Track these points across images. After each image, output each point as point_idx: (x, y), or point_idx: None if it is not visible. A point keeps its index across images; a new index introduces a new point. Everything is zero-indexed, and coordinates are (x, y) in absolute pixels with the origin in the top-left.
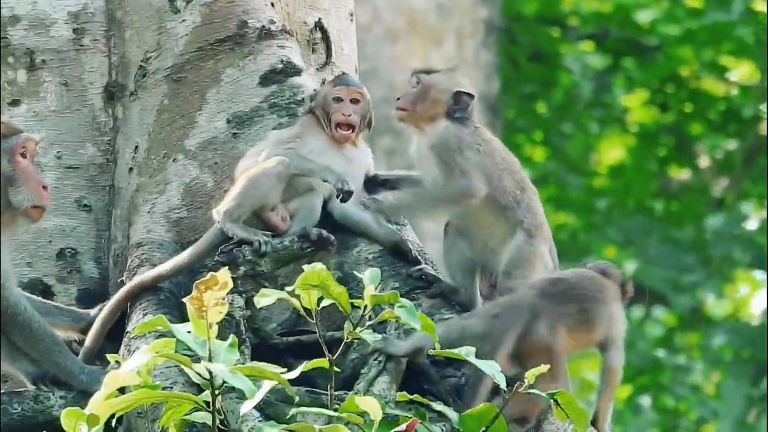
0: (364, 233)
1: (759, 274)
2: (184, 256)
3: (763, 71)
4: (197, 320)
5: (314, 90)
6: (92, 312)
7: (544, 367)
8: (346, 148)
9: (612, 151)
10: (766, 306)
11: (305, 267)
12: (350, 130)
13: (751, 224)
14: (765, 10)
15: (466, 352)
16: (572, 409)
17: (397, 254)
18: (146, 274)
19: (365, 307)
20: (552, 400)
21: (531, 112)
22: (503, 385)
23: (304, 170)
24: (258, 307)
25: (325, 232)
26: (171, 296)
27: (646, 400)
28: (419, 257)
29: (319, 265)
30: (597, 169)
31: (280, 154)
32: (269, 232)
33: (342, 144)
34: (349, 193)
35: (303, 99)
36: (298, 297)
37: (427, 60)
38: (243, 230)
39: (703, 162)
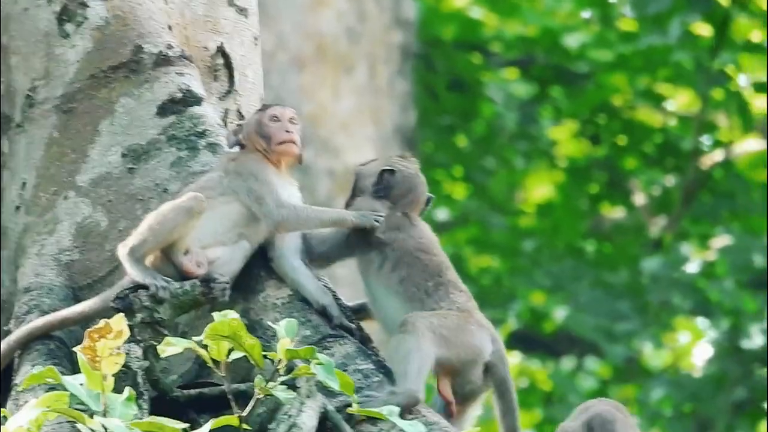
0: (295, 288)
1: (701, 322)
2: (96, 300)
3: (704, 100)
4: (90, 372)
5: (237, 124)
6: None
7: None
8: (286, 176)
9: (539, 188)
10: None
11: (215, 315)
12: (295, 145)
13: (692, 267)
14: (704, 33)
15: (389, 411)
16: None
17: (322, 315)
18: (50, 317)
19: (279, 361)
20: None
21: (450, 146)
22: None
23: (333, 221)
24: (162, 356)
25: (221, 279)
26: (62, 346)
27: None
28: (344, 322)
29: (230, 314)
30: (523, 208)
31: (291, 207)
32: (169, 278)
33: (282, 169)
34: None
35: (204, 131)
36: (204, 347)
37: (337, 89)
38: (142, 272)
39: (639, 199)
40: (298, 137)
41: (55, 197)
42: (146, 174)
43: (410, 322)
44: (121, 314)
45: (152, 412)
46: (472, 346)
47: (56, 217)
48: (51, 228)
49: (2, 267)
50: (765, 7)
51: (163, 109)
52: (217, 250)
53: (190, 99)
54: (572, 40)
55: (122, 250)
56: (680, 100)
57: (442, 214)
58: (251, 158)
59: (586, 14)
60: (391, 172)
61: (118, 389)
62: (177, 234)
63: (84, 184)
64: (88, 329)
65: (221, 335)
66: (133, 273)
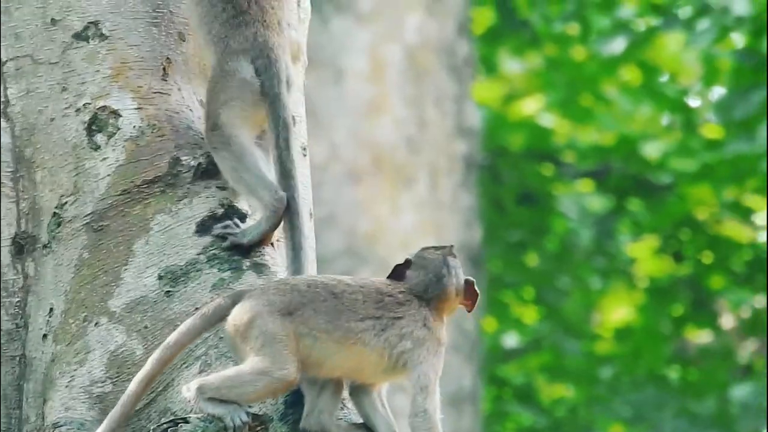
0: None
1: None
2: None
3: None
4: None
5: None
6: None
7: None
8: None
9: (617, 310)
10: None
11: None
12: None
13: None
14: None
15: None
16: None
17: None
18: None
19: None
20: None
21: (520, 265)
22: None
23: None
24: None
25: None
26: None
27: None
28: None
29: None
30: (599, 332)
31: None
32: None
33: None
34: None
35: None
36: None
37: (396, 204)
38: (215, 406)
39: (727, 321)
40: None
41: (85, 324)
42: (185, 297)
43: None
44: None
45: None
46: None
47: (87, 346)
48: (81, 358)
49: (28, 401)
50: None
51: (203, 227)
52: None
53: (233, 215)
54: (652, 149)
55: (188, 393)
56: None
57: (511, 339)
58: (440, 342)
59: (666, 120)
60: None
61: None
62: (256, 400)
63: (117, 309)
64: None
65: None
66: (206, 409)
